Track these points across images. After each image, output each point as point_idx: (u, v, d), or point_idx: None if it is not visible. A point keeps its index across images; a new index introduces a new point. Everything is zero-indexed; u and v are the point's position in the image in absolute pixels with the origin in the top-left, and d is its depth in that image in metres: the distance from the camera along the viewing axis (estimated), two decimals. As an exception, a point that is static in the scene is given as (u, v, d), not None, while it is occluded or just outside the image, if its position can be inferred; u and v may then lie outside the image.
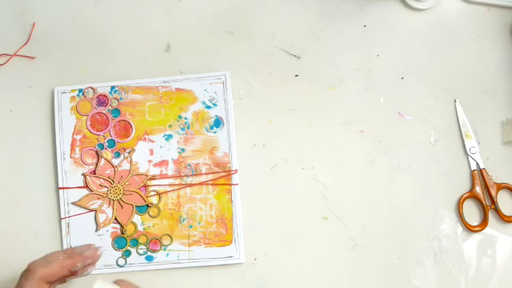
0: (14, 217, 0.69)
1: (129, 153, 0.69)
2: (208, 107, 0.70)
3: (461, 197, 0.68)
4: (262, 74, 0.71)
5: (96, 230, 0.68)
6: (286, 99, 0.70)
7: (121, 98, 0.70)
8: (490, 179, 0.68)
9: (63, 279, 0.58)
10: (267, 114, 0.70)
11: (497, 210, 0.67)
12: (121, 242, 0.68)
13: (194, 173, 0.68)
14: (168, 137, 0.69)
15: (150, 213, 0.68)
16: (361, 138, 0.69)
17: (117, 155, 0.69)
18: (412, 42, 0.71)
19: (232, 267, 0.67)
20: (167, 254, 0.67)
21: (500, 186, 0.68)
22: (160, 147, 0.69)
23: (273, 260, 0.67)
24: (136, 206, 0.68)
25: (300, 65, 0.71)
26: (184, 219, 0.68)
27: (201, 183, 0.68)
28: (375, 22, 0.71)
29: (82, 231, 0.68)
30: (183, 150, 0.69)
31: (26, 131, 0.71)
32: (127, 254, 0.67)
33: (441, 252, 0.67)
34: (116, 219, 0.68)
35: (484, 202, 0.67)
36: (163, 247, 0.67)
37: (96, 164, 0.69)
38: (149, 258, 0.67)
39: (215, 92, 0.70)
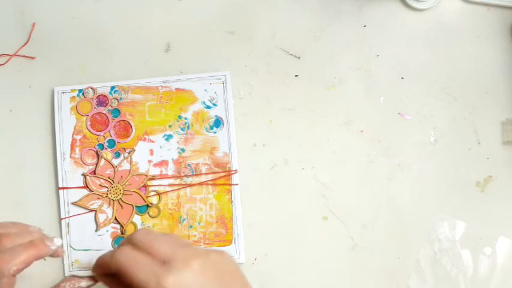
0: (14, 217, 0.69)
1: (129, 153, 0.69)
2: (208, 107, 0.70)
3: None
4: (262, 74, 0.71)
5: (96, 230, 0.68)
6: (286, 99, 0.70)
7: (121, 98, 0.70)
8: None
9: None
10: (267, 114, 0.70)
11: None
12: (121, 242, 0.68)
13: (194, 173, 0.68)
14: (168, 137, 0.69)
15: (150, 213, 0.68)
16: (361, 138, 0.69)
17: (117, 155, 0.69)
18: (412, 42, 0.71)
19: (232, 267, 0.67)
20: (167, 254, 0.67)
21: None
22: (160, 147, 0.69)
23: (273, 260, 0.67)
24: (136, 206, 0.68)
25: (300, 65, 0.71)
26: (184, 219, 0.68)
27: (201, 183, 0.68)
28: (375, 22, 0.71)
29: (82, 231, 0.68)
30: (183, 150, 0.69)
31: (26, 131, 0.71)
32: (127, 254, 0.67)
33: (441, 252, 0.67)
34: (116, 219, 0.68)
35: (484, 202, 0.68)
36: (163, 247, 0.67)
37: (96, 164, 0.69)
38: (149, 258, 0.67)
39: (215, 92, 0.70)
